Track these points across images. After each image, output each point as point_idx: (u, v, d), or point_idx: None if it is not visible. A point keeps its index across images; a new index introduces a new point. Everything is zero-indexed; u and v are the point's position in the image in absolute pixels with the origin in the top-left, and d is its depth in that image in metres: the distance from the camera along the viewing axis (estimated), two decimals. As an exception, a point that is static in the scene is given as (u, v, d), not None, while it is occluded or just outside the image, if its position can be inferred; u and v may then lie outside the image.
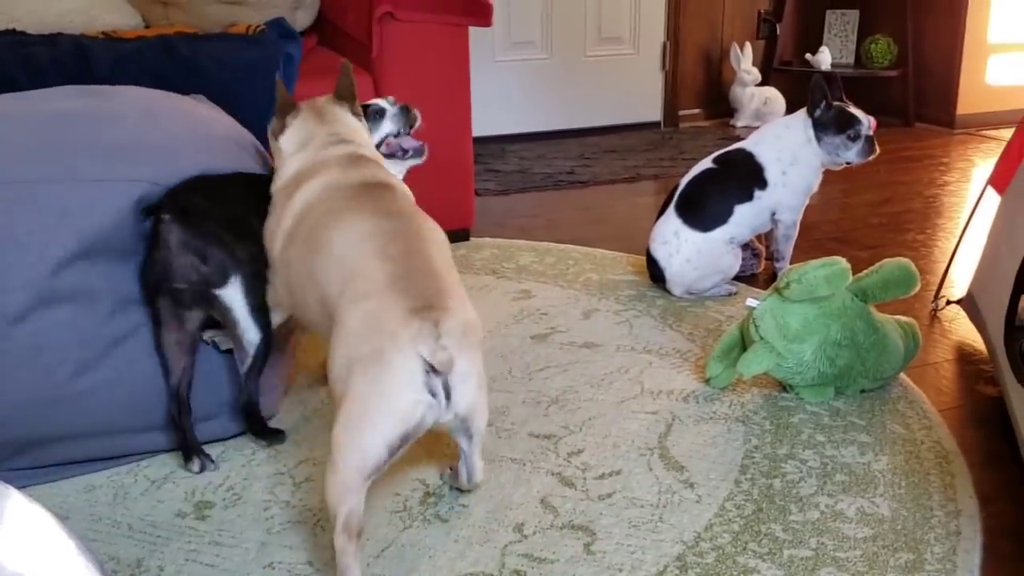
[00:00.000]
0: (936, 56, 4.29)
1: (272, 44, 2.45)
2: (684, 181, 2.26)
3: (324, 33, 2.94)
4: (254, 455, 1.59)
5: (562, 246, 2.72)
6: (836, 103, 2.21)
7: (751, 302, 1.72)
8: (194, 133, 1.65)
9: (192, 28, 2.59)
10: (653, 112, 4.57)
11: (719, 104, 4.62)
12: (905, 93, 4.40)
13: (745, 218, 2.21)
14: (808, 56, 4.60)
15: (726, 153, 2.29)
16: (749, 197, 2.21)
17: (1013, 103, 4.30)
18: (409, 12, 2.45)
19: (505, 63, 4.22)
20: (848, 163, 2.25)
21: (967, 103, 4.25)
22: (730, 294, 2.29)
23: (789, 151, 2.22)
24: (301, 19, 2.87)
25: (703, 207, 2.20)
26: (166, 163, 1.51)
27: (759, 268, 2.46)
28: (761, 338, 1.69)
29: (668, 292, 2.29)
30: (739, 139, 4.13)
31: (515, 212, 3.15)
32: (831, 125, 2.20)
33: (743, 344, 1.77)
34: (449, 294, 1.22)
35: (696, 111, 4.64)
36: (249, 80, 2.23)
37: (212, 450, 1.57)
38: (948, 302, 2.17)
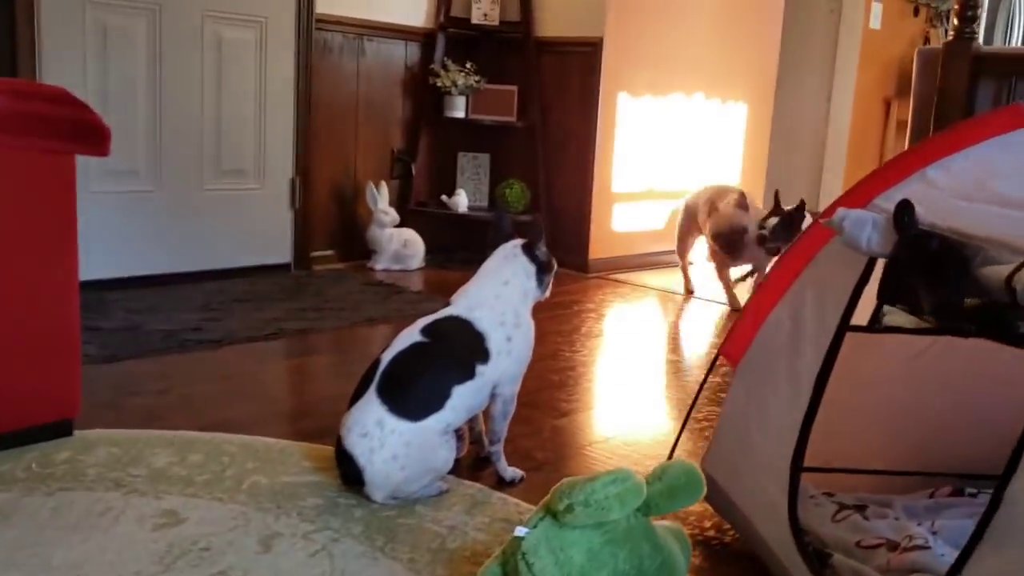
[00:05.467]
0: (568, 203, 4.39)
1: None
2: (387, 357, 1.82)
3: None
4: None
5: (209, 435, 2.10)
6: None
7: (520, 530, 1.32)
8: None
9: None
10: (282, 253, 4.09)
11: (354, 245, 4.28)
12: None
13: (464, 400, 1.82)
14: (444, 198, 4.48)
15: (436, 322, 1.89)
16: (470, 374, 1.82)
17: (634, 248, 4.54)
18: (-12, 131, 1.76)
19: (102, 195, 3.48)
20: None
21: (597, 248, 4.37)
22: (441, 492, 1.87)
23: (512, 311, 1.91)
24: None
25: (413, 390, 1.77)
26: None
27: (462, 452, 2.07)
28: (536, 581, 1.28)
29: (366, 497, 1.80)
30: (382, 284, 3.88)
31: (132, 387, 2.46)
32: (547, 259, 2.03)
33: (506, 585, 1.35)
34: None
35: (330, 252, 4.25)
36: None
37: None
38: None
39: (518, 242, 2.02)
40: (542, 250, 2.01)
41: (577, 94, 4.30)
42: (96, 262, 3.46)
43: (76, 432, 2.05)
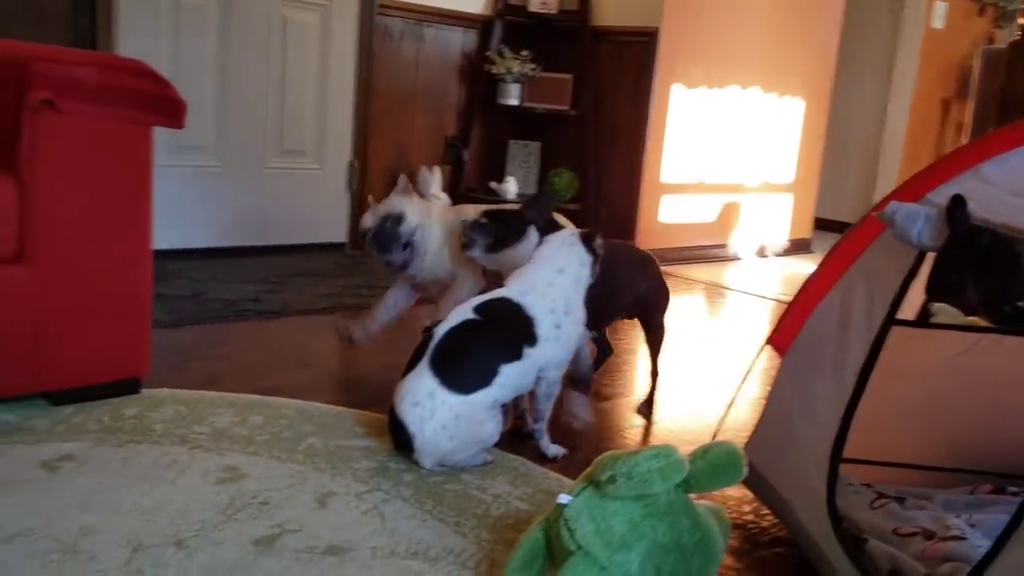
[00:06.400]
0: (616, 193, 4.43)
1: None
2: (440, 331, 1.89)
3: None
4: None
5: (268, 399, 2.20)
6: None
7: (564, 498, 1.38)
8: None
9: None
10: (338, 233, 4.20)
11: (406, 228, 4.36)
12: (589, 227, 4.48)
13: (511, 379, 1.89)
14: (493, 184, 4.54)
15: (489, 302, 1.96)
16: (518, 355, 1.89)
17: (680, 240, 4.56)
18: (77, 103, 1.86)
19: (168, 168, 3.58)
20: None
21: (643, 239, 4.41)
22: (486, 463, 1.94)
23: (563, 299, 1.96)
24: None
25: (464, 364, 1.84)
26: None
27: (506, 426, 2.13)
28: (579, 547, 1.34)
29: (415, 463, 1.88)
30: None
31: (195, 351, 2.56)
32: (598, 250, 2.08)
33: (549, 550, 1.41)
34: None
35: (382, 234, 4.33)
36: None
37: None
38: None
39: (575, 231, 2.07)
40: (599, 243, 2.05)
41: (631, 84, 4.33)
42: (160, 232, 3.58)
43: (144, 390, 2.16)
